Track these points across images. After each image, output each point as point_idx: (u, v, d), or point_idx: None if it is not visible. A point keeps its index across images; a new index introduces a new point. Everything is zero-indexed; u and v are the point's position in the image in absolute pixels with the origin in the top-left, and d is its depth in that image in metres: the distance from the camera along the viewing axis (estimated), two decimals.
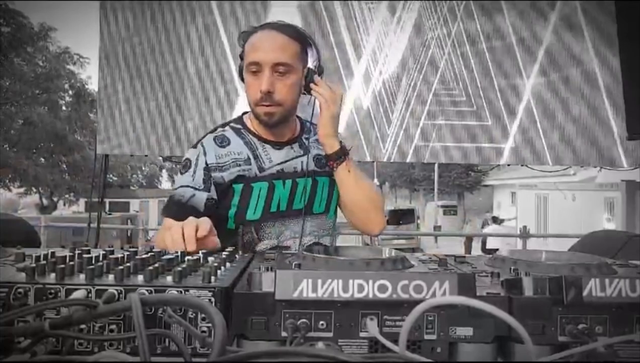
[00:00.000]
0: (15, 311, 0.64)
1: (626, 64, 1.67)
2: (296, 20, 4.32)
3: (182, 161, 1.68)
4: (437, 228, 23.96)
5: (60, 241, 7.80)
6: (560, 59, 4.40)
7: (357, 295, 0.69)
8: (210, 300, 0.71)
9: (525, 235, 5.96)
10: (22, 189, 19.71)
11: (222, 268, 0.85)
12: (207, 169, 1.61)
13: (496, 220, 16.83)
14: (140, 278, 0.76)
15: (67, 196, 21.69)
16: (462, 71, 4.42)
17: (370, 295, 0.69)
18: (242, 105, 3.96)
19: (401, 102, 4.42)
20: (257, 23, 4.13)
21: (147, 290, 0.71)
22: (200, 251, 0.99)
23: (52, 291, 0.71)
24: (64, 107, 19.76)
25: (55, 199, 21.55)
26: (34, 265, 0.76)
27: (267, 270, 0.76)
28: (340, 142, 1.63)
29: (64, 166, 19.96)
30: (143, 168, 30.53)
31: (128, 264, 0.79)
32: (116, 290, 0.71)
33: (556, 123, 4.41)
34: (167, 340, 0.71)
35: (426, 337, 0.72)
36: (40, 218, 8.72)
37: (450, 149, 4.47)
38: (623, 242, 1.76)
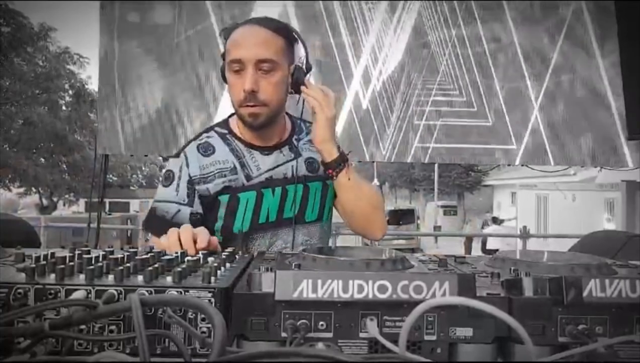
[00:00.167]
0: (15, 311, 0.64)
1: (626, 64, 1.67)
2: (295, 20, 4.32)
3: (165, 172, 1.59)
4: (437, 228, 23.97)
5: (60, 241, 7.80)
6: (562, 59, 4.40)
7: (357, 296, 0.69)
8: (210, 300, 0.71)
9: (525, 235, 5.96)
10: (22, 190, 19.73)
11: (222, 268, 0.85)
12: (191, 182, 1.53)
13: (496, 220, 16.86)
14: (140, 278, 0.76)
15: (67, 196, 21.71)
16: (463, 72, 4.42)
17: (370, 296, 0.69)
18: None
19: (401, 103, 4.42)
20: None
21: (147, 291, 0.71)
22: (200, 252, 0.98)
23: (52, 291, 0.71)
24: (64, 107, 19.77)
25: (55, 199, 21.56)
26: (33, 265, 0.76)
27: (267, 270, 0.76)
28: (339, 147, 1.52)
29: (64, 166, 19.97)
30: (143, 168, 30.54)
31: (128, 264, 0.79)
32: (116, 290, 0.71)
33: (558, 123, 4.40)
34: (166, 341, 0.71)
35: (426, 337, 0.72)
36: (40, 218, 8.73)
37: (450, 150, 4.47)
38: (623, 242, 1.76)
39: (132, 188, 30.57)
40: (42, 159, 19.52)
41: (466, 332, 0.72)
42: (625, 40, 1.64)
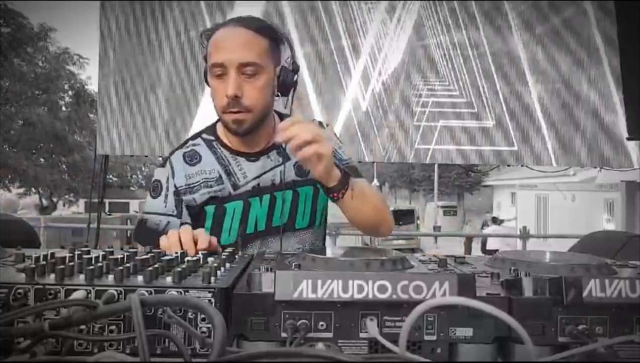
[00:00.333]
0: (15, 311, 0.64)
1: (626, 64, 1.67)
2: (294, 21, 4.32)
3: (152, 183, 1.55)
4: (436, 228, 23.97)
5: (60, 241, 7.79)
6: (564, 59, 4.39)
7: (357, 296, 0.69)
8: (210, 300, 0.71)
9: (525, 235, 5.96)
10: (21, 190, 19.72)
11: (222, 268, 0.85)
12: (177, 193, 1.49)
13: (496, 221, 16.85)
14: (140, 278, 0.76)
15: (66, 196, 21.71)
16: (463, 72, 4.41)
17: (370, 296, 0.69)
18: None
19: (401, 103, 4.42)
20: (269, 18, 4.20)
21: (146, 291, 0.71)
22: (200, 252, 0.98)
23: (52, 291, 0.71)
24: (63, 108, 19.78)
25: (54, 199, 21.56)
26: (33, 265, 0.76)
27: (267, 270, 0.76)
28: (339, 168, 1.35)
29: (64, 167, 19.97)
30: (143, 169, 30.51)
31: (128, 265, 0.79)
32: (116, 290, 0.71)
33: (559, 123, 4.40)
34: (166, 341, 0.71)
35: (426, 337, 0.72)
36: (39, 218, 8.72)
37: (450, 151, 4.46)
38: (623, 242, 1.76)
39: (131, 188, 30.57)
40: (42, 160, 19.52)
41: (466, 332, 0.72)
42: (625, 40, 1.64)
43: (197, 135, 1.60)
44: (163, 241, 1.16)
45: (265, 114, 1.48)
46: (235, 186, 1.50)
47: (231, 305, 0.72)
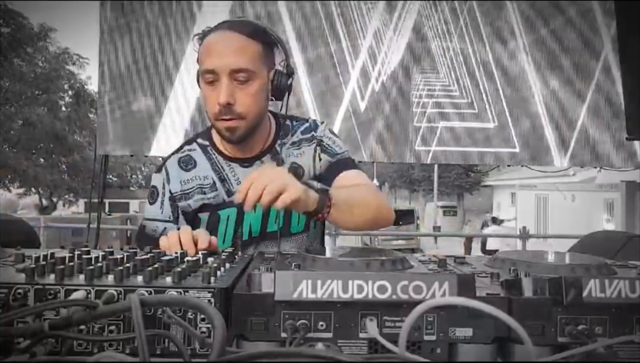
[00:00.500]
0: (14, 312, 0.64)
1: (626, 64, 1.67)
2: (294, 20, 4.32)
3: (150, 189, 1.55)
4: (436, 228, 23.97)
5: (60, 241, 7.79)
6: (565, 60, 4.39)
7: (357, 296, 0.69)
8: (209, 300, 0.71)
9: (525, 235, 5.95)
10: (21, 190, 19.72)
11: (222, 268, 0.85)
12: (172, 199, 1.49)
13: (496, 221, 16.85)
14: (139, 278, 0.76)
15: (66, 196, 21.72)
16: (464, 73, 4.41)
17: (370, 296, 0.69)
18: None
19: (401, 103, 4.42)
20: (267, 21, 4.21)
21: (146, 291, 0.71)
22: (200, 252, 0.98)
23: (52, 292, 0.71)
24: (63, 108, 19.79)
25: (54, 199, 21.56)
26: (33, 265, 0.76)
27: (267, 270, 0.76)
28: (317, 190, 1.28)
29: (64, 167, 19.99)
30: (142, 169, 30.53)
31: (128, 265, 0.79)
32: (116, 290, 0.71)
33: (561, 123, 4.39)
34: (166, 341, 0.71)
35: (426, 337, 0.72)
36: (39, 218, 8.70)
37: (450, 151, 4.46)
38: (623, 243, 1.76)
39: (131, 188, 30.61)
40: (42, 160, 19.53)
41: (466, 332, 0.72)
42: (625, 40, 1.64)
43: (193, 139, 1.59)
44: (163, 241, 1.16)
45: (259, 121, 1.45)
46: (229, 193, 1.49)
47: (231, 305, 0.72)
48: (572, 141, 4.39)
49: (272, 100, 1.48)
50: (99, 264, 0.79)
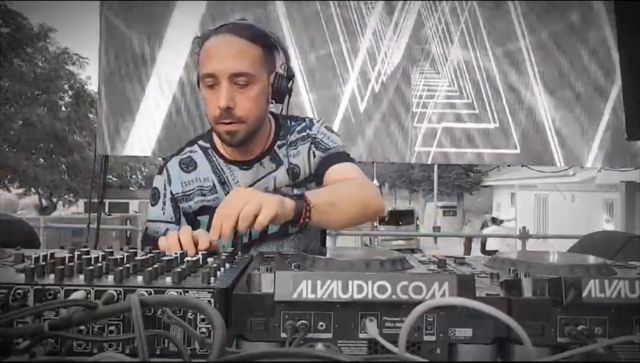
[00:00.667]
0: (14, 312, 0.64)
1: (625, 64, 1.67)
2: (292, 21, 4.32)
3: (151, 190, 1.56)
4: (436, 228, 23.97)
5: (60, 242, 7.79)
6: (567, 60, 4.38)
7: (357, 296, 0.69)
8: (209, 301, 0.71)
9: (524, 235, 5.94)
10: (21, 190, 19.73)
11: (222, 269, 0.85)
12: (174, 200, 1.50)
13: (495, 221, 16.84)
14: (139, 279, 0.76)
15: (66, 196, 21.71)
16: (464, 73, 4.41)
17: (370, 296, 0.69)
18: None
19: (401, 104, 4.42)
20: (267, 22, 4.21)
21: (146, 291, 0.71)
22: (199, 253, 0.98)
23: (52, 292, 0.71)
24: (63, 108, 19.80)
25: (54, 200, 21.56)
26: (33, 265, 0.76)
27: (267, 271, 0.76)
28: (292, 197, 1.24)
29: (64, 167, 19.99)
30: (142, 169, 30.53)
31: (127, 265, 0.79)
32: (115, 291, 0.71)
33: (565, 125, 4.39)
34: (166, 341, 0.71)
35: (425, 338, 0.72)
36: (39, 218, 8.70)
37: (451, 151, 4.46)
38: (622, 243, 1.76)
39: (131, 188, 30.62)
40: (42, 160, 19.53)
41: (465, 332, 0.72)
42: (625, 40, 1.64)
43: (194, 141, 1.59)
44: (162, 242, 1.16)
45: (259, 124, 1.46)
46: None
47: (231, 306, 0.72)
48: (574, 142, 4.38)
49: (272, 103, 1.48)
50: (99, 264, 0.79)
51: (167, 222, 1.50)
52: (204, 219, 1.50)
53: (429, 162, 4.59)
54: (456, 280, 0.69)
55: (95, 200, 4.67)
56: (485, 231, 16.36)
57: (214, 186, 1.51)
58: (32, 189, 19.81)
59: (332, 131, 1.62)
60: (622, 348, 0.72)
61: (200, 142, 1.58)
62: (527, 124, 4.40)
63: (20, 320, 0.67)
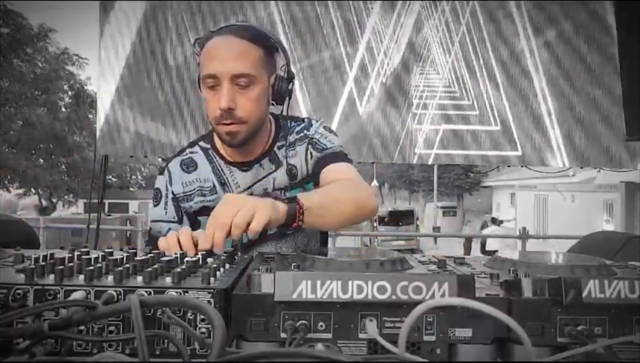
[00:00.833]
0: (14, 312, 0.64)
1: (625, 63, 1.67)
2: (293, 21, 4.32)
3: (154, 191, 1.57)
4: (436, 229, 23.98)
5: (60, 242, 7.79)
6: (569, 60, 4.38)
7: (357, 296, 0.69)
8: (209, 301, 0.71)
9: (524, 236, 5.95)
10: (21, 190, 19.72)
11: (222, 269, 0.85)
12: (175, 200, 1.51)
13: (495, 221, 16.84)
14: (139, 279, 0.75)
15: (66, 197, 21.71)
16: (465, 73, 4.41)
17: (370, 296, 0.69)
18: None
19: (401, 105, 4.42)
20: (268, 22, 4.21)
21: (146, 291, 0.71)
22: (199, 253, 0.98)
23: (51, 292, 0.71)
24: (63, 108, 19.80)
25: (54, 200, 21.56)
26: (33, 266, 0.76)
27: (266, 271, 0.76)
28: (284, 201, 1.23)
29: (63, 167, 19.99)
30: (142, 169, 30.54)
31: (127, 265, 0.79)
32: (115, 291, 0.71)
33: (569, 125, 4.38)
34: (166, 341, 0.71)
35: (425, 338, 0.72)
36: (39, 219, 8.69)
37: (452, 152, 4.45)
38: (622, 243, 1.75)
39: (131, 189, 30.63)
40: (42, 160, 19.53)
41: (465, 332, 0.72)
42: (625, 40, 1.64)
43: (195, 143, 1.60)
44: (161, 242, 1.16)
45: (260, 125, 1.46)
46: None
47: (231, 306, 0.72)
48: (576, 142, 4.38)
49: (273, 104, 1.48)
50: (99, 264, 0.79)
51: (170, 222, 1.51)
52: (204, 219, 1.51)
53: (429, 162, 4.59)
54: (456, 280, 0.69)
55: (95, 200, 4.68)
56: (485, 231, 16.36)
57: (214, 186, 1.51)
58: (32, 189, 19.80)
59: (331, 131, 1.62)
60: (622, 348, 0.72)
61: (201, 143, 1.59)
62: (529, 125, 4.39)
63: (20, 320, 0.67)
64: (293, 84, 1.49)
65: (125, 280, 0.75)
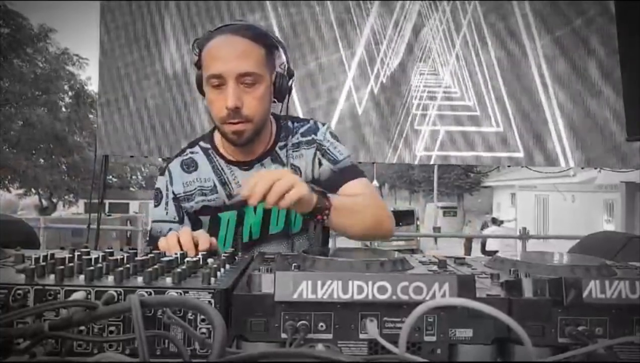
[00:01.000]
0: (14, 312, 0.64)
1: (626, 64, 1.67)
2: (292, 21, 4.32)
3: (154, 191, 1.57)
4: (436, 229, 23.99)
5: (60, 242, 7.79)
6: (571, 62, 4.37)
7: (357, 297, 0.69)
8: (209, 301, 0.71)
9: (524, 236, 5.95)
10: (21, 191, 19.72)
11: (222, 269, 0.85)
12: (176, 200, 1.51)
13: (496, 221, 16.84)
14: (139, 279, 0.75)
15: (66, 197, 21.73)
16: (465, 74, 4.40)
17: (370, 297, 0.69)
18: None
19: (400, 105, 4.42)
20: (267, 22, 4.21)
21: (146, 292, 0.71)
22: (200, 253, 0.98)
23: (52, 292, 0.71)
24: (63, 109, 19.82)
25: (54, 200, 21.57)
26: (33, 266, 0.76)
27: (267, 271, 0.76)
28: (314, 189, 1.29)
29: (64, 167, 20.00)
30: (143, 169, 30.56)
31: (127, 265, 0.79)
32: (116, 291, 0.71)
33: (573, 126, 4.38)
34: (166, 342, 0.71)
35: (426, 338, 0.72)
36: (39, 219, 8.69)
37: (451, 153, 4.45)
38: (623, 243, 1.75)
39: (131, 189, 30.66)
40: (42, 160, 19.55)
41: (466, 333, 0.72)
42: (625, 40, 1.64)
43: (195, 143, 1.61)
44: (161, 242, 1.16)
45: (264, 123, 1.47)
46: (229, 196, 1.50)
47: (231, 306, 0.72)
48: (579, 142, 4.37)
49: (274, 102, 1.49)
50: (99, 265, 0.79)
51: (171, 222, 1.51)
52: (205, 219, 1.51)
53: (431, 163, 4.58)
54: (456, 281, 0.69)
55: (96, 201, 4.67)
56: (486, 231, 16.37)
57: (215, 186, 1.52)
58: (32, 189, 19.81)
59: (337, 139, 1.63)
60: (623, 348, 0.72)
61: (201, 143, 1.59)
62: (530, 126, 4.38)
63: (21, 321, 0.67)
64: (292, 81, 1.50)
65: (125, 280, 0.75)
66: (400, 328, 0.69)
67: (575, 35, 4.35)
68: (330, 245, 1.73)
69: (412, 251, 16.87)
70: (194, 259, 0.89)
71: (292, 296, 0.69)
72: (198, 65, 1.46)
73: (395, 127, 4.41)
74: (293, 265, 0.87)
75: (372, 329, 0.70)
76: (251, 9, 4.33)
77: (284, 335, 0.70)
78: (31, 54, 18.05)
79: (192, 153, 1.58)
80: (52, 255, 0.85)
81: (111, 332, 0.70)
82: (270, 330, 0.71)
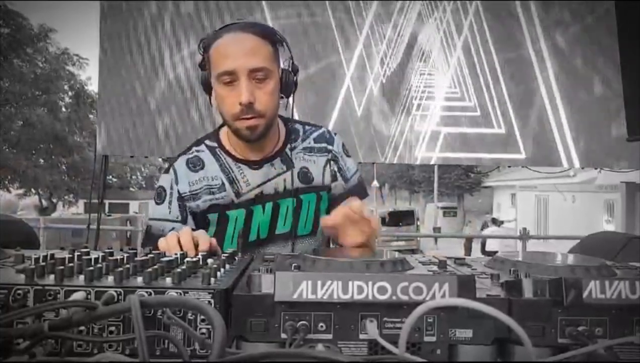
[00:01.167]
0: (14, 312, 0.64)
1: (626, 64, 1.67)
2: (292, 21, 4.32)
3: (156, 189, 1.56)
4: (436, 229, 23.99)
5: (60, 242, 7.80)
6: (571, 62, 4.37)
7: (357, 297, 0.69)
8: (209, 301, 0.71)
9: (525, 236, 5.95)
10: (21, 191, 19.70)
11: (222, 269, 0.85)
12: (181, 199, 1.50)
13: (496, 222, 16.85)
14: (139, 279, 0.75)
15: (66, 197, 21.74)
16: (466, 74, 4.40)
17: (370, 297, 0.69)
18: None
19: (401, 105, 4.42)
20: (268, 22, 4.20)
21: (146, 292, 0.71)
22: (200, 253, 0.98)
23: (52, 292, 0.71)
24: (63, 109, 19.82)
25: (54, 200, 21.58)
26: (33, 266, 0.76)
27: (267, 271, 0.76)
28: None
29: (64, 168, 20.01)
30: (142, 169, 30.57)
31: (127, 265, 0.79)
32: (115, 291, 0.71)
33: (570, 124, 4.38)
34: (166, 342, 0.71)
35: (426, 338, 0.72)
36: (39, 219, 8.68)
37: (451, 155, 4.45)
38: (623, 244, 1.75)
39: (131, 189, 30.67)
40: (42, 160, 19.55)
41: (466, 333, 0.72)
42: (625, 40, 1.64)
43: (201, 141, 1.60)
44: (161, 243, 1.16)
45: (274, 118, 1.49)
46: (237, 194, 1.50)
47: (231, 306, 0.72)
48: (578, 143, 4.37)
49: (282, 97, 1.50)
50: (99, 265, 0.79)
51: (173, 221, 1.49)
52: (212, 217, 1.50)
53: (432, 163, 4.58)
54: (456, 281, 0.69)
55: (95, 201, 4.67)
56: (486, 231, 16.38)
57: (223, 184, 1.51)
58: (32, 189, 19.80)
59: (347, 151, 1.67)
60: (623, 349, 0.72)
61: (207, 141, 1.59)
62: (532, 127, 4.38)
63: (20, 321, 0.67)
64: (297, 77, 1.51)
65: (125, 281, 0.75)
66: (400, 328, 0.69)
67: (576, 36, 4.35)
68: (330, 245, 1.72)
69: (412, 251, 16.86)
70: (194, 259, 0.89)
71: (292, 296, 0.69)
72: (202, 65, 1.47)
73: (396, 127, 4.41)
74: (293, 265, 0.87)
75: (372, 329, 0.70)
76: (250, 9, 4.33)
77: (283, 336, 0.70)
78: (31, 54, 18.05)
79: (198, 151, 1.57)
80: (52, 255, 0.85)
81: (111, 332, 0.70)
82: (270, 330, 0.71)
